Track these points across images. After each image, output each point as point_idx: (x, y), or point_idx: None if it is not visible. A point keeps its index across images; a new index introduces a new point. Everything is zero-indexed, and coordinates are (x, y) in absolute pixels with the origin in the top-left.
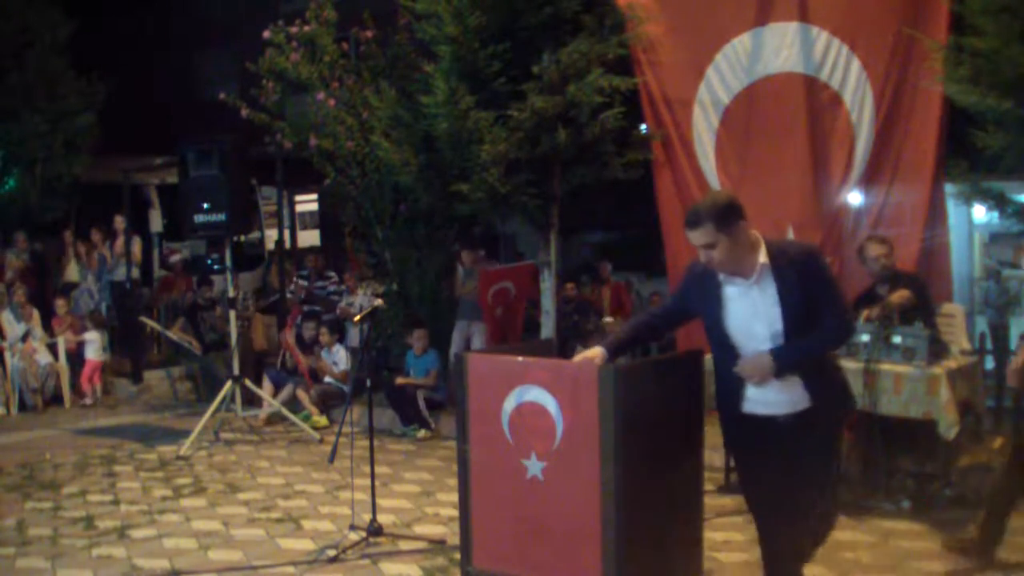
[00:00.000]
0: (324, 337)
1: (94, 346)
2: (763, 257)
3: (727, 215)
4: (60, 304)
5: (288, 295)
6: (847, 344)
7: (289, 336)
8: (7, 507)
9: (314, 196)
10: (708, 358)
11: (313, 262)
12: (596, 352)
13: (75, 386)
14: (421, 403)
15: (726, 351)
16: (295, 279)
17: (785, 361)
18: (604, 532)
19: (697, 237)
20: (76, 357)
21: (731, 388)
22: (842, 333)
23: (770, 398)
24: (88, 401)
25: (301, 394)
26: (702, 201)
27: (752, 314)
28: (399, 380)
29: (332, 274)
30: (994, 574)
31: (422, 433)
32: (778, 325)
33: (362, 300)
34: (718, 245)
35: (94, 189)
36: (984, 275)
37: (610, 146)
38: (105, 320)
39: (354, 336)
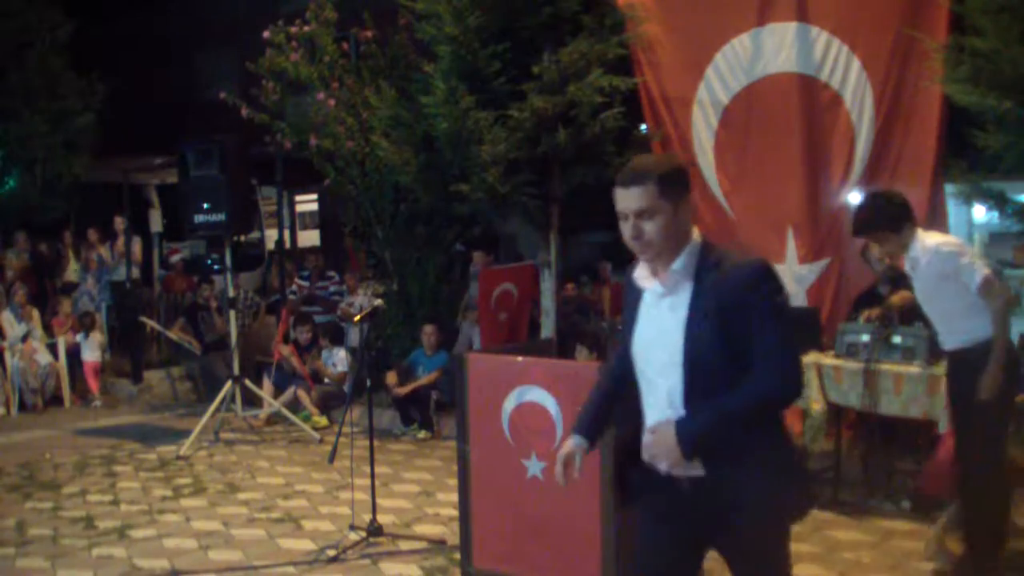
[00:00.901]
0: (323, 340)
1: (90, 347)
2: (684, 260)
3: (676, 179)
4: (64, 304)
5: (290, 296)
6: (846, 346)
7: (280, 347)
8: (7, 507)
9: (314, 196)
10: None
11: (314, 262)
12: (571, 449)
13: (76, 387)
14: (432, 404)
15: (638, 384)
16: (296, 280)
17: (690, 439)
18: (604, 532)
19: (630, 199)
20: (75, 357)
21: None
22: (774, 394)
23: None
24: (98, 403)
25: (302, 394)
26: (643, 158)
27: (656, 335)
28: (403, 389)
29: (333, 274)
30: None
31: (422, 434)
32: (678, 361)
33: (362, 300)
34: (657, 215)
35: (94, 189)
36: None
37: (610, 146)
38: (97, 321)
39: (354, 336)
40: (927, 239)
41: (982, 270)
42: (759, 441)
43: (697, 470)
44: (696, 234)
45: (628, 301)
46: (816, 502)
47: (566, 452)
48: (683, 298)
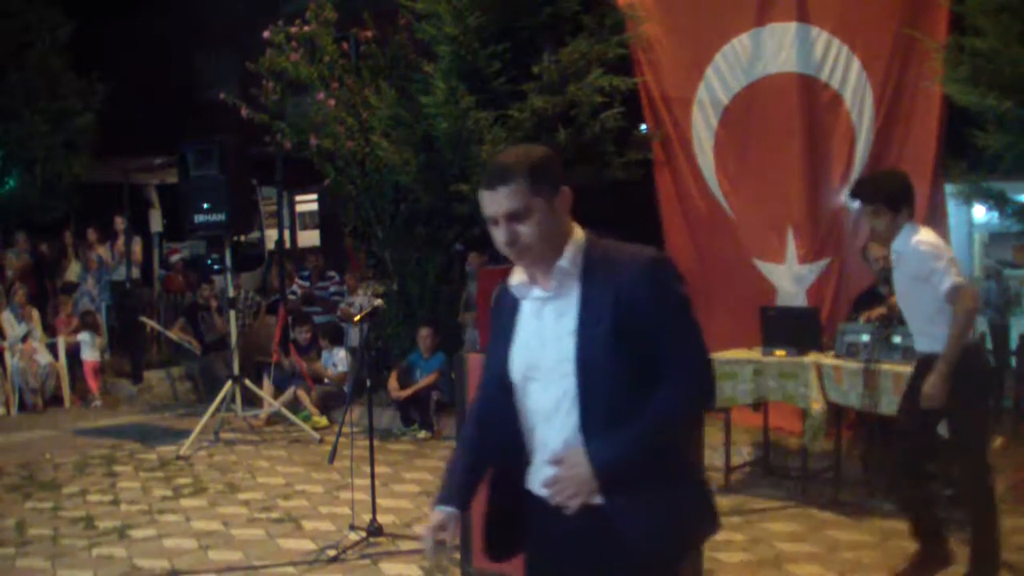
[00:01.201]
0: (323, 340)
1: (90, 347)
2: (570, 258)
3: (547, 170)
4: (66, 304)
5: (290, 296)
6: (846, 346)
7: (278, 353)
8: (7, 507)
9: (314, 196)
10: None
11: (314, 262)
12: (442, 519)
13: (75, 387)
14: (432, 405)
15: (518, 413)
16: (296, 280)
17: (606, 467)
18: None
19: (499, 201)
20: (75, 357)
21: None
22: (692, 401)
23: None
24: (98, 403)
25: (302, 394)
26: (505, 153)
27: (540, 346)
28: (403, 393)
29: (333, 274)
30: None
31: (422, 434)
32: (570, 371)
33: (362, 300)
34: (531, 215)
35: (94, 189)
36: (984, 275)
37: (610, 146)
38: (98, 321)
39: (354, 336)
40: (915, 235)
41: (953, 277)
42: (660, 459)
43: (595, 498)
44: (578, 229)
45: (500, 318)
46: (717, 526)
47: (437, 523)
48: (571, 301)
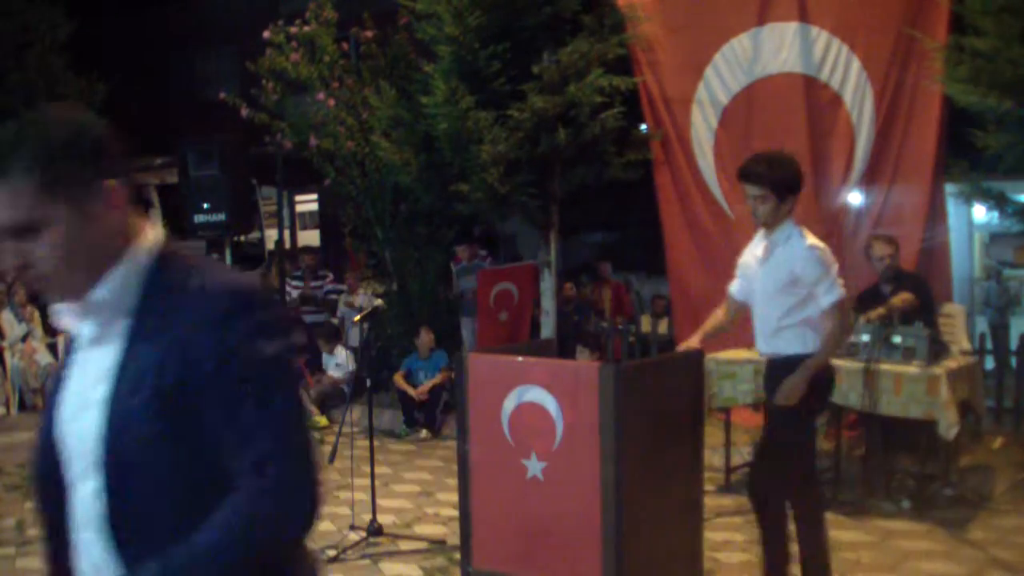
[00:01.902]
0: (320, 342)
1: None
2: (112, 286)
3: (76, 158)
4: None
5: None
6: (846, 346)
7: None
8: (7, 507)
9: (314, 196)
10: (709, 358)
11: (306, 261)
12: None
13: None
14: (440, 404)
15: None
16: (289, 282)
17: None
18: (604, 532)
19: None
20: None
21: None
22: (264, 527)
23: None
24: None
25: (301, 394)
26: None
27: (69, 415)
28: (422, 390)
29: (326, 273)
30: (995, 574)
31: (424, 433)
32: (96, 462)
33: (362, 300)
34: (45, 230)
35: None
36: (984, 275)
37: (610, 146)
38: None
39: (354, 336)
40: (803, 235)
41: (840, 291)
42: None
43: None
44: (149, 237)
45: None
46: None
47: None
48: (110, 351)
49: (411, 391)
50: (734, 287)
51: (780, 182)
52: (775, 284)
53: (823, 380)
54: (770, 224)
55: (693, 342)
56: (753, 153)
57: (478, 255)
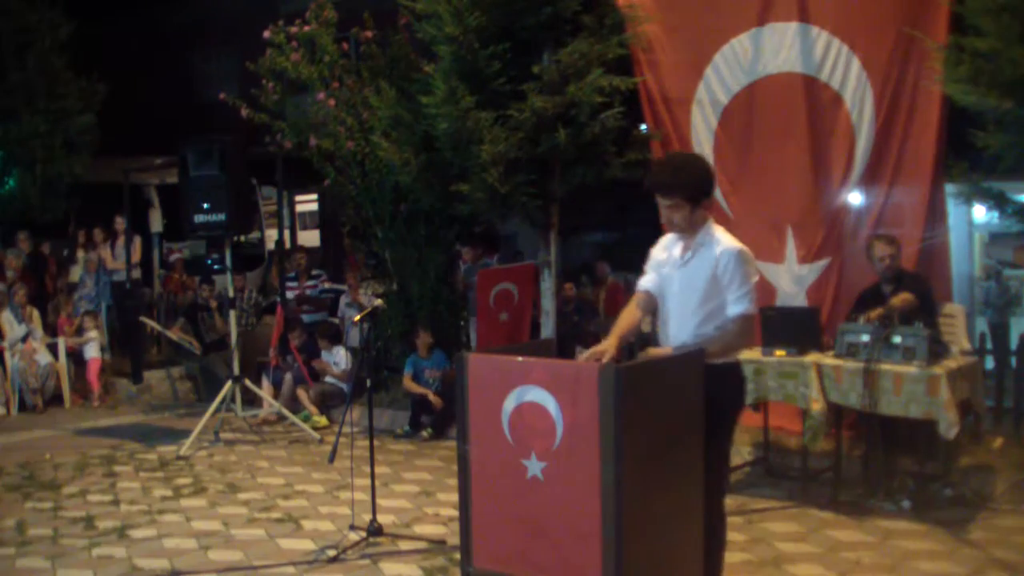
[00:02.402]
0: (321, 341)
1: (94, 345)
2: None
3: None
4: (66, 305)
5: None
6: (846, 346)
7: (275, 357)
8: (7, 507)
9: (314, 196)
10: None
11: (298, 260)
12: None
13: (75, 385)
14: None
15: None
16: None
17: None
18: (604, 532)
19: None
20: (77, 357)
21: None
22: None
23: None
24: (96, 403)
25: (301, 394)
26: None
27: None
28: (433, 396)
29: (321, 272)
30: (995, 574)
31: (426, 432)
32: None
33: (362, 300)
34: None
35: (94, 189)
36: (984, 275)
37: (610, 146)
38: (99, 321)
39: (354, 336)
40: (719, 232)
41: (751, 307)
42: None
43: None
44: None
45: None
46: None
47: None
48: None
49: (431, 395)
50: (648, 283)
51: (690, 188)
52: (695, 289)
53: (736, 381)
54: (685, 230)
55: (611, 350)
56: (663, 160)
57: (483, 256)
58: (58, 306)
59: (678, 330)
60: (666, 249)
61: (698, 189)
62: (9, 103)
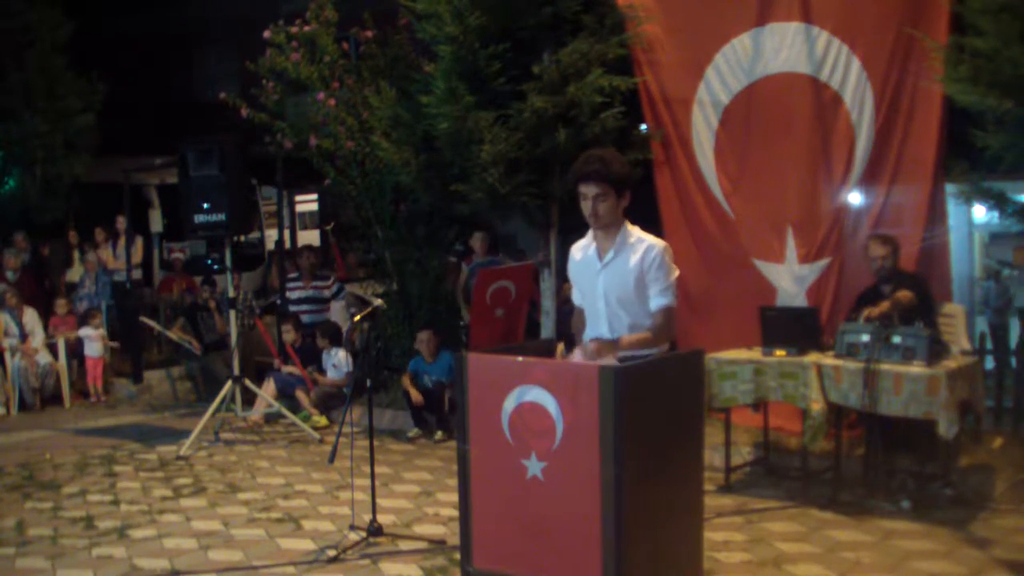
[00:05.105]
0: (321, 341)
1: (95, 344)
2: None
3: None
4: (60, 304)
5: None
6: (846, 346)
7: (279, 360)
8: (7, 507)
9: (314, 196)
10: (709, 358)
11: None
12: None
13: (75, 385)
14: (447, 404)
15: None
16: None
17: None
18: (604, 532)
19: None
20: (76, 357)
21: None
22: None
23: None
24: (94, 399)
25: (300, 395)
26: None
27: None
28: (414, 395)
29: (329, 273)
30: (995, 574)
31: (439, 434)
32: None
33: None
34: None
35: (94, 189)
36: (984, 275)
37: (610, 146)
38: (101, 319)
39: (337, 313)
40: (638, 231)
41: (672, 300)
42: None
43: None
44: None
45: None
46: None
47: None
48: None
49: (413, 392)
50: (578, 298)
51: (617, 177)
52: (624, 286)
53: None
54: (608, 224)
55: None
56: (588, 154)
57: (490, 252)
58: (55, 306)
59: (609, 328)
60: (582, 257)
61: (623, 180)
62: (9, 103)
